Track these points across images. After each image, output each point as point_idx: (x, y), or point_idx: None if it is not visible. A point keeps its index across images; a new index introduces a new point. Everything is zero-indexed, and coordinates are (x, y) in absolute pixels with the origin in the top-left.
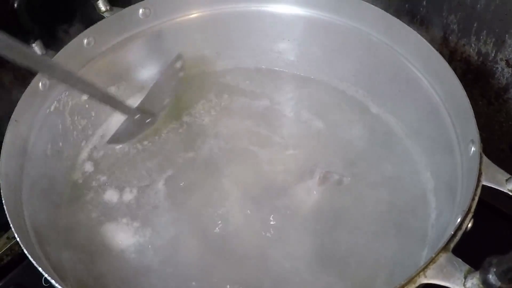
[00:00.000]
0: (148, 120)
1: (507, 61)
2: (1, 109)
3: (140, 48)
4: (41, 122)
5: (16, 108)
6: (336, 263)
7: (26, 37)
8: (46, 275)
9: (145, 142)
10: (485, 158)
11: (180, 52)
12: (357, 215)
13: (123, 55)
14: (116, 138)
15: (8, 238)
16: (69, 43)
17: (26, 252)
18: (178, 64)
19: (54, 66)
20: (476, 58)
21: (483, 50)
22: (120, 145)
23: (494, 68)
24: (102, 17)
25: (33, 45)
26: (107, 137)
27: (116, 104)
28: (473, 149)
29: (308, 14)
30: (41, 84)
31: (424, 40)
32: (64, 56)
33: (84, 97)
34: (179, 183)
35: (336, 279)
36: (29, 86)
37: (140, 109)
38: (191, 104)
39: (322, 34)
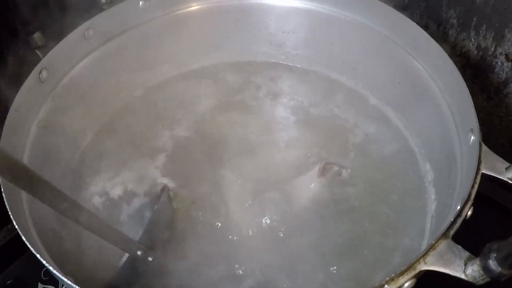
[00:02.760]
0: (150, 259)
1: (506, 55)
2: None
3: (140, 40)
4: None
5: (15, 98)
6: (335, 254)
7: (26, 28)
8: (46, 264)
9: None
10: (484, 147)
11: (164, 185)
12: (356, 206)
13: (123, 47)
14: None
15: (7, 231)
16: (69, 35)
17: (25, 241)
18: (163, 197)
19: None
20: (475, 52)
21: (483, 45)
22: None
23: (494, 63)
24: (102, 9)
25: (33, 36)
26: None
27: (121, 241)
28: (472, 138)
29: (308, 7)
30: (41, 75)
31: (424, 31)
32: (64, 48)
33: (85, 87)
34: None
35: (335, 269)
36: (29, 77)
37: (142, 244)
38: None
39: (321, 26)
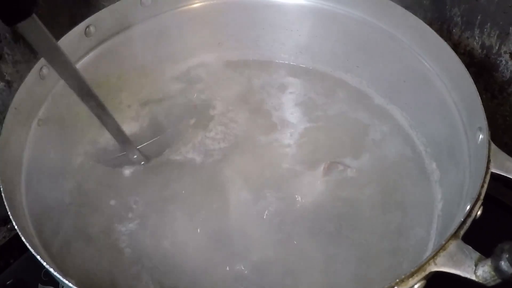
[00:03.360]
0: (142, 163)
1: (511, 54)
2: None
3: (142, 37)
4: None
5: (15, 96)
6: (340, 255)
7: None
8: (46, 265)
9: None
10: (493, 146)
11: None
12: (361, 205)
13: (124, 44)
14: (107, 162)
15: (7, 231)
16: (69, 32)
17: (25, 241)
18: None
19: (74, 73)
20: (479, 51)
21: (487, 43)
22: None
23: (498, 61)
24: (103, 6)
25: None
26: None
27: (123, 140)
28: (481, 136)
29: (312, 4)
30: (41, 72)
31: (429, 27)
32: (65, 45)
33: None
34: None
35: (339, 271)
36: (29, 75)
37: (142, 150)
38: None
39: (325, 24)
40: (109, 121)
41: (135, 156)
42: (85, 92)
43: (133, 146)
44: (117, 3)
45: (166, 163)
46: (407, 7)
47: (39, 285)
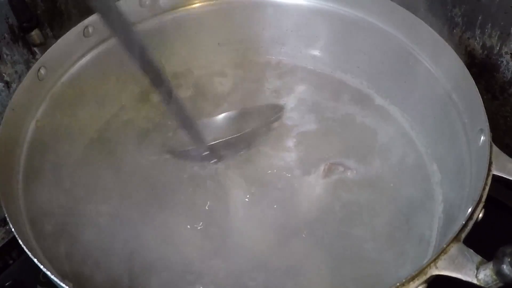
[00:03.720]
0: (212, 162)
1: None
2: None
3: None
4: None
5: (13, 96)
6: (340, 258)
7: (24, 26)
8: (43, 269)
9: None
10: (495, 148)
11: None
12: (362, 207)
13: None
14: (176, 153)
15: (5, 233)
16: (68, 32)
17: (22, 244)
18: (274, 125)
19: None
20: (480, 51)
21: (488, 44)
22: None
23: (499, 62)
24: None
25: (32, 33)
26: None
27: (194, 134)
28: (482, 138)
29: (311, 4)
30: (39, 73)
31: (430, 28)
32: (63, 46)
33: (84, 87)
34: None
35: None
36: (26, 75)
37: (213, 148)
38: None
39: (325, 24)
40: (181, 110)
41: (205, 153)
42: (156, 77)
43: (203, 142)
44: (117, 3)
45: None
46: (407, 7)
47: (38, 286)
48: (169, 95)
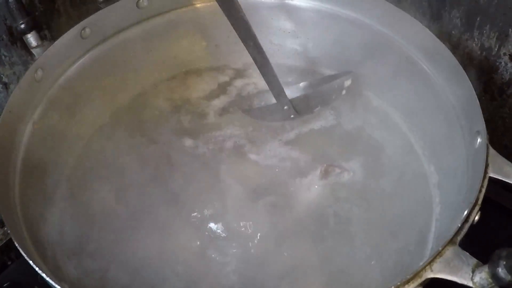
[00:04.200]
0: (291, 116)
1: (510, 55)
2: None
3: (138, 39)
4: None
5: (10, 98)
6: (337, 260)
7: (21, 28)
8: (39, 271)
9: None
10: (491, 150)
11: (353, 72)
12: (358, 208)
13: (120, 46)
14: (254, 113)
15: (3, 234)
16: (65, 34)
17: (18, 247)
18: (347, 82)
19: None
20: (479, 52)
21: (486, 45)
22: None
23: (497, 63)
24: (99, 8)
25: (28, 35)
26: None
27: (276, 85)
28: (479, 140)
29: (309, 6)
30: (36, 75)
31: (428, 30)
32: (60, 47)
33: (81, 88)
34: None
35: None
36: (23, 77)
37: (293, 103)
38: None
39: (323, 26)
40: (264, 63)
41: (286, 107)
42: (246, 31)
43: (285, 96)
44: (113, 5)
45: None
46: (405, 9)
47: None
48: (259, 51)
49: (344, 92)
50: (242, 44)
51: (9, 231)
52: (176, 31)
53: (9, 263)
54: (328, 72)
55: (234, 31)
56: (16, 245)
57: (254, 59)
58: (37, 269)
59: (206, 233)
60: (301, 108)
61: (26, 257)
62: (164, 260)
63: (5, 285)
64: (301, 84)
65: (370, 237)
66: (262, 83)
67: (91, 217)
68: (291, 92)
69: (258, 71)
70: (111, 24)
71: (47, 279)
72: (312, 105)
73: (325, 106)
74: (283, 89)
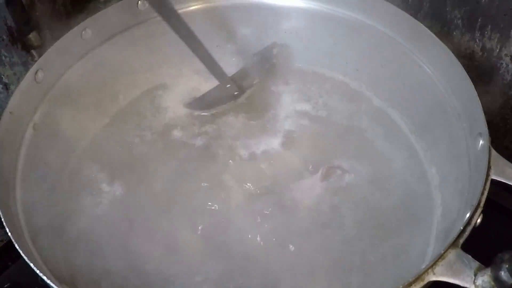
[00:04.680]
0: (235, 93)
1: (511, 56)
2: None
3: (138, 40)
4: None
5: (10, 99)
6: (337, 262)
7: (22, 28)
8: (40, 274)
9: None
10: (494, 152)
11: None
12: (359, 210)
13: (121, 47)
14: (196, 104)
15: (4, 235)
16: (65, 35)
17: (18, 249)
18: (274, 50)
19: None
20: (480, 53)
21: (488, 46)
22: (197, 112)
23: (499, 64)
24: (100, 9)
25: (29, 36)
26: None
27: (214, 67)
28: (481, 142)
29: (310, 7)
30: (37, 76)
31: (429, 31)
32: (61, 48)
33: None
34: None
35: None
36: (24, 78)
37: (234, 79)
38: None
39: (324, 27)
40: (198, 46)
41: (228, 85)
42: (175, 18)
43: (226, 74)
44: (114, 5)
45: None
46: (407, 9)
47: None
48: (190, 36)
49: (274, 60)
50: (242, 45)
51: (9, 233)
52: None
53: (9, 264)
54: (329, 73)
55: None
56: (16, 246)
57: (189, 45)
58: (38, 271)
59: (205, 234)
60: (242, 83)
61: (26, 259)
62: (165, 260)
63: (5, 286)
64: (234, 60)
65: (370, 238)
66: None
67: (91, 217)
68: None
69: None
70: (112, 25)
71: (49, 282)
72: (250, 79)
73: (262, 77)
74: (222, 68)
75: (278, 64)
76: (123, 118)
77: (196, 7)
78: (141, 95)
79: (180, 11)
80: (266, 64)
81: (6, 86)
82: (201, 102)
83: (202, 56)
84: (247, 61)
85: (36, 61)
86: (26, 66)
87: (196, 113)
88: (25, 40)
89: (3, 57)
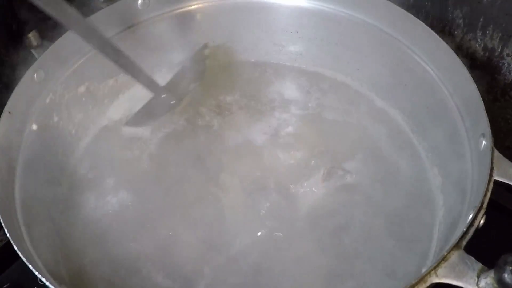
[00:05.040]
0: (172, 102)
1: None
2: None
3: (139, 39)
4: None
5: (10, 99)
6: (337, 264)
7: (21, 27)
8: (39, 275)
9: None
10: (496, 153)
11: (207, 42)
12: (361, 211)
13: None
14: (136, 120)
15: (3, 235)
16: (65, 34)
17: (17, 250)
18: (206, 52)
19: (88, 26)
20: (482, 53)
21: (489, 45)
22: (138, 128)
23: (501, 64)
24: (100, 8)
25: (29, 35)
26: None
27: (145, 79)
28: (484, 143)
29: (312, 6)
30: (36, 75)
31: (431, 30)
32: (60, 47)
33: (82, 89)
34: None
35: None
36: (23, 77)
37: (168, 88)
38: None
39: (325, 26)
40: (125, 61)
41: (164, 95)
42: (95, 36)
43: (158, 84)
44: (114, 4)
45: None
46: (408, 9)
47: None
48: (114, 51)
49: (207, 62)
50: (243, 44)
51: (8, 234)
52: (177, 31)
53: (10, 264)
54: (330, 73)
55: (238, 31)
56: (15, 247)
57: (115, 61)
58: (37, 273)
59: (204, 233)
60: (177, 91)
61: (25, 260)
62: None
63: (5, 286)
64: (164, 70)
65: (372, 240)
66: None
67: (91, 218)
68: (160, 81)
69: None
70: (112, 24)
71: (47, 283)
72: (185, 85)
73: (198, 82)
74: (153, 79)
75: (212, 66)
76: (124, 118)
77: (196, 6)
78: (142, 95)
79: (180, 11)
80: (199, 67)
81: (6, 86)
82: (138, 118)
83: (132, 70)
84: (179, 68)
85: (35, 60)
86: (26, 65)
87: (134, 129)
88: (25, 39)
89: (3, 57)
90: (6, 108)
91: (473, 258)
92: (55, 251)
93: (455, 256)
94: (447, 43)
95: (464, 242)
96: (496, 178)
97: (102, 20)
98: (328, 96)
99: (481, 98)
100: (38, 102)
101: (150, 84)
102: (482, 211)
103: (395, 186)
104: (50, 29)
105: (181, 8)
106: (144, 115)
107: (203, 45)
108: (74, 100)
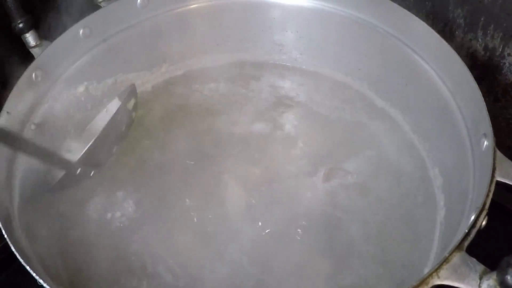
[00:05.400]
0: (92, 173)
1: None
2: None
3: (138, 39)
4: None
5: (8, 99)
6: (337, 264)
7: (19, 27)
8: (37, 277)
9: None
10: (498, 153)
11: (133, 83)
12: (361, 211)
13: (120, 46)
14: (58, 185)
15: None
16: (64, 33)
17: (15, 252)
18: (129, 105)
19: None
20: (483, 53)
21: (490, 45)
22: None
23: (502, 64)
24: (99, 7)
25: (27, 35)
26: None
27: (55, 161)
28: (486, 143)
29: (311, 5)
30: (35, 75)
31: (433, 30)
32: (59, 47)
33: (81, 89)
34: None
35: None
36: (21, 77)
37: (82, 163)
38: None
39: (326, 26)
40: (34, 149)
41: (79, 170)
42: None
43: (67, 161)
44: (113, 4)
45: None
46: (409, 8)
47: None
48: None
49: (133, 114)
50: (243, 43)
51: (6, 236)
52: (177, 30)
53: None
54: (330, 73)
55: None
56: (13, 249)
57: (23, 150)
58: (35, 275)
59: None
60: (98, 157)
61: (23, 263)
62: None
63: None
64: (84, 135)
65: (372, 240)
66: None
67: (90, 217)
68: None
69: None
70: (111, 23)
71: (45, 285)
72: (107, 149)
73: (123, 140)
74: (61, 157)
75: (140, 116)
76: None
77: (195, 5)
78: (140, 95)
79: (179, 10)
80: (123, 125)
81: (4, 86)
82: (64, 183)
83: (39, 155)
84: (96, 137)
85: (34, 60)
86: (25, 65)
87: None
88: (23, 38)
89: (2, 56)
90: (5, 108)
91: (475, 259)
92: (53, 253)
93: (457, 257)
94: (448, 42)
95: (466, 244)
96: (498, 178)
97: (102, 19)
98: (328, 96)
99: (482, 98)
100: (36, 102)
101: (60, 164)
102: (484, 212)
103: (395, 186)
104: (49, 28)
105: (181, 7)
106: (66, 182)
107: (128, 94)
108: (73, 100)
